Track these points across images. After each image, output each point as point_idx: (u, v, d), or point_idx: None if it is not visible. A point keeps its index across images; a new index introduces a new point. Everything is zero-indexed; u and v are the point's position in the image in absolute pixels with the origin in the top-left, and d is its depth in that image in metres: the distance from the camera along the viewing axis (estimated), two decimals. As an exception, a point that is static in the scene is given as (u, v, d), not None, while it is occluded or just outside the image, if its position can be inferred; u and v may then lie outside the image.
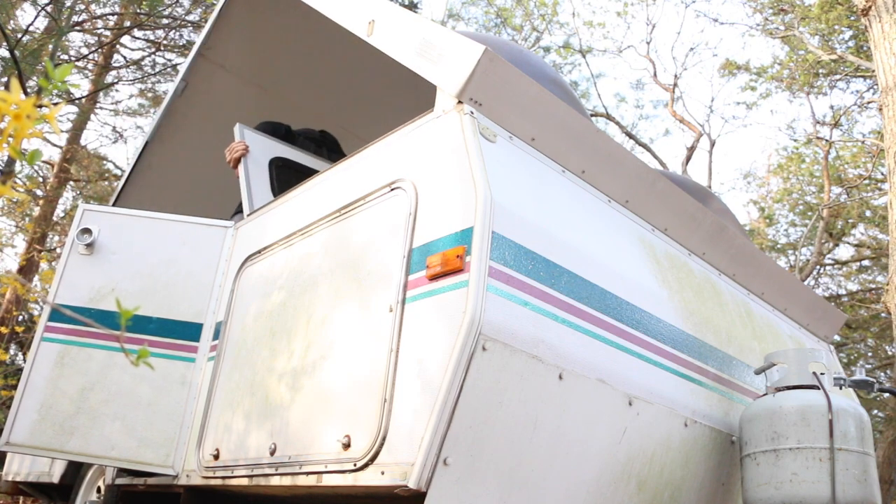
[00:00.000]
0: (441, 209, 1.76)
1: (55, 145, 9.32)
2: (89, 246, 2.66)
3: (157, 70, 9.26)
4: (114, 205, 4.19)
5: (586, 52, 12.67)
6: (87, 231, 2.67)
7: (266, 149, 3.24)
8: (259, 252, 2.46)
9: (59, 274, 2.66)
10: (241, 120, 4.24)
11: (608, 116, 12.27)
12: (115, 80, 9.31)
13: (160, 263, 2.71)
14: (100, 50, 8.70)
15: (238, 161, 3.08)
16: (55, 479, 3.38)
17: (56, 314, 2.61)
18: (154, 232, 2.76)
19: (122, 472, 2.74)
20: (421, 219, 1.81)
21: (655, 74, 12.57)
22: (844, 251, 11.95)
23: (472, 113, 1.86)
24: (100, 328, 2.45)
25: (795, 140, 12.09)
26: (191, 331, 2.61)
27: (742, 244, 2.71)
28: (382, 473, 1.59)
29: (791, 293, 2.98)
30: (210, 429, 2.31)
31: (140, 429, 2.47)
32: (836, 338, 6.66)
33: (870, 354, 11.34)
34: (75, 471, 3.28)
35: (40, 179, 9.50)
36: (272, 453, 1.96)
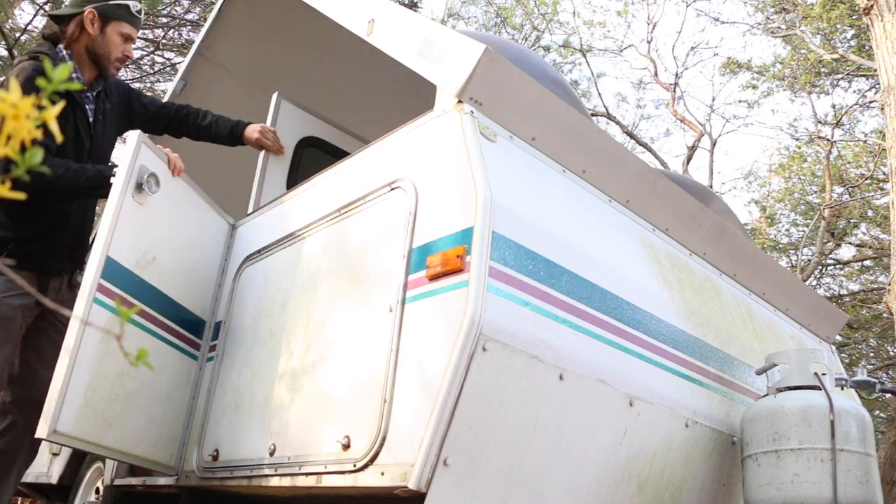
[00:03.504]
0: (441, 209, 1.75)
1: (55, 145, 9.30)
2: (145, 196, 2.18)
3: (156, 69, 9.26)
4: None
5: (587, 51, 12.67)
6: (156, 180, 2.21)
7: (298, 126, 2.97)
8: (258, 252, 2.45)
9: (114, 218, 2.09)
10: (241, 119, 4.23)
11: (609, 116, 12.26)
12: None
13: (187, 244, 2.42)
14: (99, 49, 8.68)
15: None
16: (53, 479, 3.37)
17: (112, 268, 2.04)
18: (189, 203, 2.42)
19: (127, 472, 2.72)
20: (421, 218, 1.80)
21: (656, 74, 12.57)
22: (846, 251, 11.94)
23: (472, 112, 1.86)
24: (147, 312, 2.12)
25: (797, 139, 12.09)
26: (198, 326, 2.52)
27: (743, 244, 2.70)
28: (382, 474, 1.58)
29: (792, 293, 2.97)
30: (209, 429, 2.30)
31: (158, 425, 2.29)
32: (838, 338, 6.65)
33: (871, 355, 11.33)
34: (74, 471, 3.27)
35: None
36: (272, 454, 1.96)
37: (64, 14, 2.45)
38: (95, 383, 2.06)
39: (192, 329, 2.48)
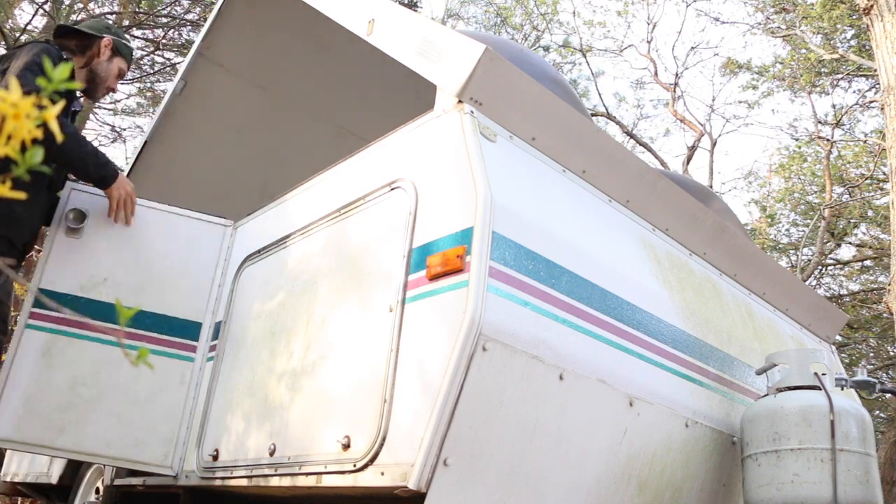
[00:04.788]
0: (441, 209, 1.75)
1: (55, 145, 9.28)
2: (76, 231, 2.50)
3: (156, 69, 9.26)
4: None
5: (587, 51, 12.66)
6: (80, 214, 2.50)
7: None
8: (258, 252, 2.45)
9: (46, 256, 2.47)
10: (241, 120, 4.23)
11: (609, 116, 12.26)
12: (115, 80, 9.28)
13: (156, 256, 2.59)
14: (99, 49, 8.68)
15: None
16: (53, 479, 3.37)
17: (47, 296, 2.42)
18: (149, 222, 2.63)
19: (127, 472, 2.73)
20: (421, 218, 1.80)
21: (656, 74, 12.57)
22: (846, 251, 11.94)
23: (472, 112, 1.86)
24: (94, 324, 2.39)
25: (797, 139, 12.09)
26: (189, 329, 2.56)
27: (743, 244, 2.70)
28: (382, 474, 1.58)
29: (792, 293, 2.97)
30: (209, 429, 2.30)
31: (137, 427, 2.40)
32: (838, 338, 6.65)
33: (871, 355, 11.33)
34: (74, 471, 3.27)
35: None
36: (272, 454, 1.96)
37: (79, 30, 2.70)
38: (39, 395, 2.33)
39: (176, 332, 2.55)
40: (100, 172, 2.43)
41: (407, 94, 3.34)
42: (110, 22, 2.86)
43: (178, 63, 8.34)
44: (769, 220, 12.21)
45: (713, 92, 16.10)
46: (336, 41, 3.61)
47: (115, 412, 2.39)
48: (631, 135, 12.22)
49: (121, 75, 2.79)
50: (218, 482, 2.18)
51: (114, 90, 2.82)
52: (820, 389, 2.08)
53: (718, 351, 2.32)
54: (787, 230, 12.30)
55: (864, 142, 10.65)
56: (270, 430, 2.00)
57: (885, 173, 9.58)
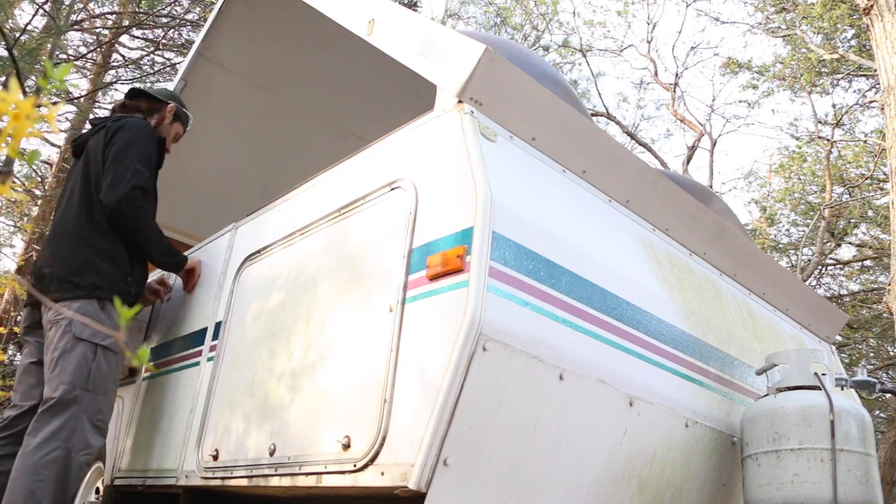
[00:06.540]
0: (441, 209, 1.75)
1: (54, 145, 9.29)
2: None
3: (156, 69, 9.26)
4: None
5: (587, 51, 12.67)
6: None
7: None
8: (258, 252, 2.45)
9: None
10: (241, 120, 4.23)
11: (609, 116, 12.27)
12: (114, 80, 9.29)
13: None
14: (98, 49, 8.71)
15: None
16: (55, 479, 3.36)
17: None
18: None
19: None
20: (421, 218, 1.80)
21: (656, 74, 12.57)
22: (846, 251, 11.95)
23: (472, 112, 1.86)
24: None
25: (797, 139, 12.09)
26: (198, 336, 2.63)
27: (743, 244, 2.70)
28: (382, 474, 1.58)
29: (792, 293, 2.97)
30: (209, 429, 2.30)
31: (166, 436, 2.58)
32: (838, 338, 6.64)
33: (871, 355, 11.34)
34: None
35: (39, 179, 9.48)
36: (271, 454, 1.96)
37: (150, 94, 2.94)
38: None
39: (192, 343, 2.68)
40: (172, 260, 2.70)
41: (407, 94, 3.34)
42: (174, 91, 3.17)
43: (178, 63, 8.34)
44: (769, 220, 12.21)
45: (713, 92, 16.12)
46: (336, 41, 3.61)
47: (156, 427, 2.72)
48: (631, 135, 12.23)
49: (176, 139, 2.99)
50: (218, 482, 2.18)
51: (169, 152, 2.98)
52: (820, 389, 2.08)
53: (718, 351, 2.32)
54: (787, 230, 12.31)
55: (864, 142, 10.66)
56: (270, 430, 2.00)
57: (885, 173, 9.58)
